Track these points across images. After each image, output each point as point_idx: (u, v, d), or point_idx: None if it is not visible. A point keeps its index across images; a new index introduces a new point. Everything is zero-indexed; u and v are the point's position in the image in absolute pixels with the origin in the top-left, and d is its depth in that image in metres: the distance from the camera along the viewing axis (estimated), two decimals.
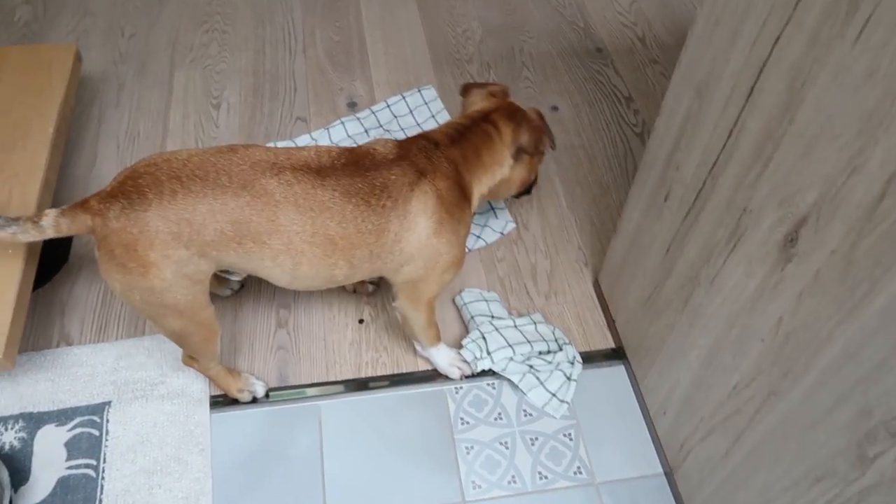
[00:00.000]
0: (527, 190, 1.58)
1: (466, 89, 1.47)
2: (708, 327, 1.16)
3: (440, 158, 1.27)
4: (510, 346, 1.48)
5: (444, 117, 2.01)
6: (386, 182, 1.20)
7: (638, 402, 1.48)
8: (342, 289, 1.64)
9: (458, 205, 1.27)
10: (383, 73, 2.16)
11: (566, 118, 2.07)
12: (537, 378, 1.49)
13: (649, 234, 1.35)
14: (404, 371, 1.52)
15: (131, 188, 1.10)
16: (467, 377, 1.49)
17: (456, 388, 1.49)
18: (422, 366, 1.53)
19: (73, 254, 1.68)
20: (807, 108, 0.87)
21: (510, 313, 1.61)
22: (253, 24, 2.30)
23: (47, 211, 1.14)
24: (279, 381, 1.50)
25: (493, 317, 1.55)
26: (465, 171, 1.31)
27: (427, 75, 2.16)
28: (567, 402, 1.47)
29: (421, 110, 2.03)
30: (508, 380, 1.50)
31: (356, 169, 1.20)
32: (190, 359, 1.37)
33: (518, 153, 1.38)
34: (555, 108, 2.10)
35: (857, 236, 0.81)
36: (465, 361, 1.49)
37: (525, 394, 1.48)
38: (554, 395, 1.48)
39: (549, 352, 1.52)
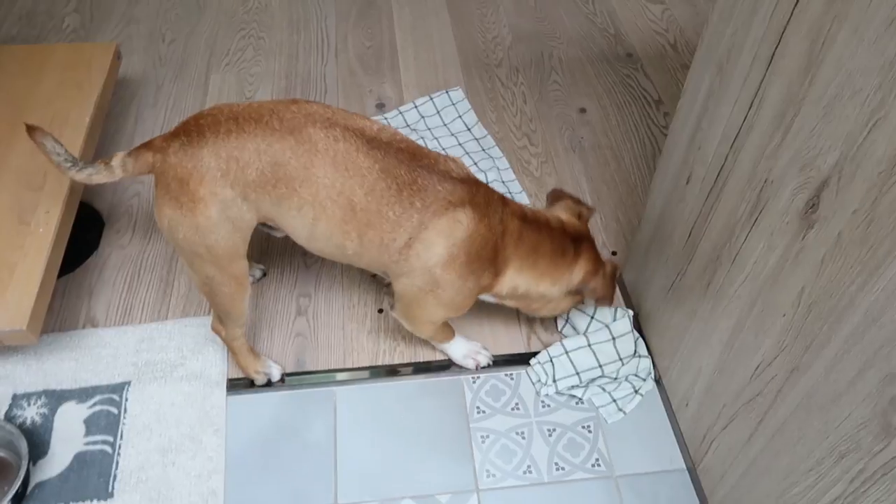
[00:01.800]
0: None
1: (556, 195, 1.40)
2: (729, 308, 1.13)
3: (497, 214, 1.22)
4: (577, 373, 1.44)
5: (470, 118, 2.02)
6: (428, 186, 1.16)
7: (660, 395, 1.44)
8: (362, 276, 1.65)
9: (480, 262, 1.21)
10: (412, 77, 2.19)
11: (594, 120, 2.06)
12: (602, 388, 1.45)
13: (671, 221, 1.33)
14: (421, 360, 1.51)
15: (193, 128, 1.16)
16: (483, 368, 1.47)
17: (473, 377, 1.47)
18: (439, 355, 1.51)
19: (103, 241, 1.72)
20: (827, 67, 0.85)
21: (591, 317, 1.51)
22: (288, 30, 2.36)
23: (116, 154, 1.20)
24: (296, 366, 1.50)
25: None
26: (511, 250, 1.25)
27: (456, 79, 2.18)
28: (624, 413, 1.42)
29: (448, 111, 2.04)
30: (527, 369, 1.47)
31: (409, 158, 1.18)
32: (218, 323, 1.37)
33: (576, 291, 1.33)
34: (583, 111, 2.09)
35: (879, 192, 0.78)
36: (482, 352, 1.47)
37: (581, 400, 1.44)
38: (615, 400, 1.43)
39: (617, 375, 1.46)
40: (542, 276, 1.29)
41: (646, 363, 1.46)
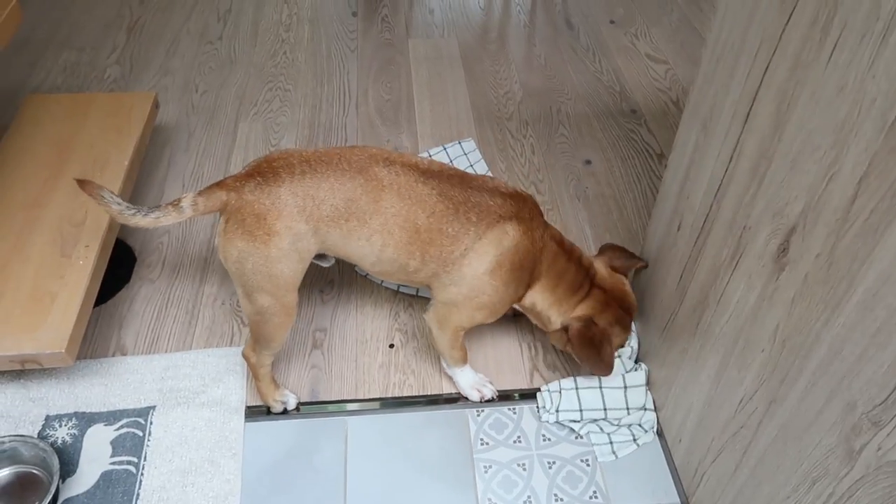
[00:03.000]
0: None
1: (605, 247, 1.55)
2: (716, 346, 1.21)
3: (539, 231, 1.37)
4: (580, 410, 1.50)
5: (481, 167, 2.14)
6: (481, 203, 1.32)
7: (657, 432, 1.50)
8: (375, 313, 1.74)
9: (521, 271, 1.36)
10: (428, 128, 2.33)
11: (598, 171, 2.18)
12: (600, 428, 1.50)
13: (665, 265, 1.42)
14: (429, 393, 1.59)
15: (266, 169, 1.29)
16: (487, 401, 1.55)
17: (478, 410, 1.55)
18: (446, 388, 1.60)
19: (135, 275, 1.84)
20: (791, 126, 0.95)
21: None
22: (312, 83, 2.52)
23: (185, 195, 1.31)
24: (311, 396, 1.59)
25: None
26: (544, 267, 1.38)
27: (468, 130, 2.31)
28: (616, 456, 1.46)
29: (460, 160, 2.16)
30: (530, 407, 1.55)
31: (460, 181, 1.34)
32: (250, 350, 1.46)
33: (569, 328, 1.41)
34: (588, 162, 2.21)
35: (837, 238, 0.87)
36: (488, 386, 1.55)
37: (580, 435, 1.49)
38: (611, 442, 1.48)
39: (620, 422, 1.50)
40: (556, 302, 1.42)
41: (650, 416, 1.50)
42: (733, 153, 1.11)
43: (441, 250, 1.32)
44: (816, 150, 0.90)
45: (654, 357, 1.51)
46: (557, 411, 1.50)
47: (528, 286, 1.41)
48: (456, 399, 1.56)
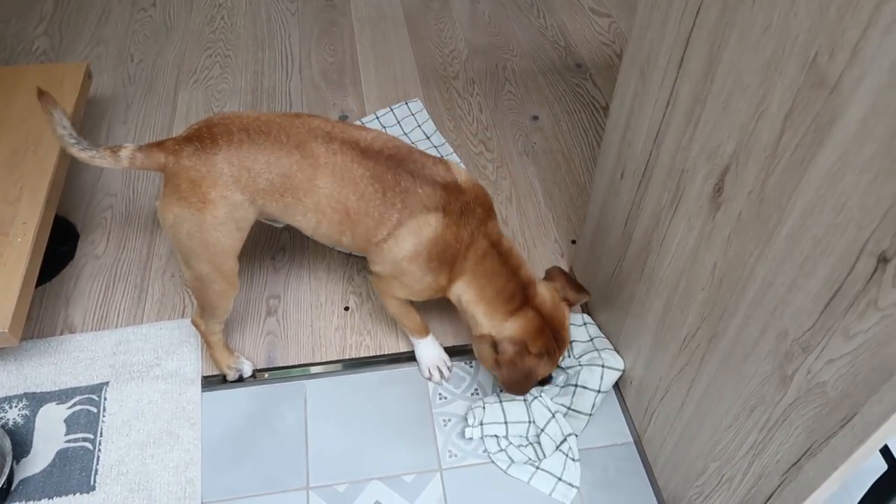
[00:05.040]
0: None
1: (553, 274, 1.42)
2: (660, 289, 1.25)
3: (470, 228, 1.29)
4: (505, 423, 1.43)
5: (429, 127, 2.13)
6: (409, 189, 1.28)
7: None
8: (329, 277, 1.74)
9: (439, 263, 1.30)
10: (374, 90, 2.30)
11: (546, 126, 2.19)
12: (532, 464, 1.41)
13: (611, 213, 1.45)
14: (386, 352, 1.61)
15: (206, 134, 1.26)
16: (436, 381, 1.54)
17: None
18: (403, 347, 1.61)
19: (79, 252, 1.79)
20: (723, 67, 0.97)
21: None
22: (253, 48, 2.45)
23: (127, 145, 1.27)
24: (267, 363, 1.58)
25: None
26: (469, 264, 1.31)
27: (415, 91, 2.29)
28: (576, 487, 1.38)
29: (408, 121, 2.15)
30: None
31: (396, 164, 1.30)
32: (199, 318, 1.45)
33: (499, 346, 1.31)
34: (535, 118, 2.22)
35: (766, 174, 0.90)
36: (444, 367, 1.54)
37: (527, 482, 1.39)
38: (560, 478, 1.39)
39: (543, 429, 1.43)
40: (482, 302, 1.32)
41: (566, 426, 1.42)
42: (670, 98, 1.13)
43: (366, 231, 1.31)
44: (746, 90, 0.92)
45: (605, 304, 1.55)
46: (481, 424, 1.44)
47: (451, 280, 1.34)
48: (413, 357, 1.58)
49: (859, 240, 0.75)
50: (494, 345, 1.32)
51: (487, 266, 1.32)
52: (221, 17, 2.58)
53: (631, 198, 1.33)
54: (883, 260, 0.72)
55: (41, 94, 1.27)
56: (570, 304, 1.39)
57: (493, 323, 1.32)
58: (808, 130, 0.81)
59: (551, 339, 1.33)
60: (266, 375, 1.55)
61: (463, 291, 1.34)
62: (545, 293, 1.35)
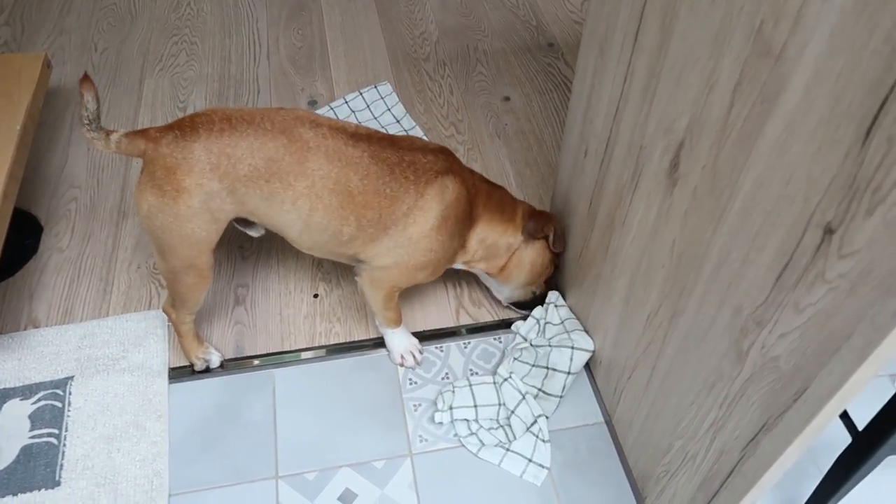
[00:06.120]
0: (529, 303, 1.58)
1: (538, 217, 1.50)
2: (624, 267, 1.24)
3: (471, 178, 1.40)
4: (475, 406, 1.43)
5: (399, 110, 2.11)
6: (415, 161, 1.31)
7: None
8: (298, 264, 1.72)
9: (462, 220, 1.37)
10: (343, 74, 2.27)
11: (517, 107, 2.17)
12: (502, 446, 1.41)
13: (576, 193, 1.43)
14: (356, 339, 1.59)
15: (187, 124, 1.24)
16: (408, 367, 1.54)
17: None
18: (373, 334, 1.60)
19: (42, 245, 1.76)
20: (675, 41, 0.96)
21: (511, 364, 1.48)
22: (220, 35, 2.41)
23: (118, 130, 1.27)
24: (236, 352, 1.57)
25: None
26: (481, 208, 1.41)
27: (385, 74, 2.26)
28: (546, 468, 1.38)
29: (377, 104, 2.12)
30: (457, 344, 1.56)
31: (390, 143, 1.32)
32: (170, 306, 1.44)
33: (529, 234, 1.45)
34: (507, 99, 2.19)
35: (718, 148, 0.89)
36: (416, 353, 1.53)
37: (498, 465, 1.39)
38: (530, 460, 1.39)
39: (513, 411, 1.42)
40: (505, 223, 1.44)
41: (536, 408, 1.43)
42: (627, 74, 1.11)
43: (379, 212, 1.29)
44: (697, 63, 0.90)
45: (573, 284, 1.54)
46: (451, 408, 1.43)
47: (471, 229, 1.41)
48: (383, 343, 1.57)
49: (806, 211, 0.74)
50: (541, 237, 1.46)
51: (494, 198, 1.43)
52: (188, 3, 2.53)
53: (594, 176, 1.32)
54: (829, 231, 0.71)
55: (84, 78, 1.22)
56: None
57: (516, 233, 1.45)
58: (755, 101, 0.79)
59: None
60: (234, 365, 1.54)
61: (486, 232, 1.43)
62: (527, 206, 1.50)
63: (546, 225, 1.45)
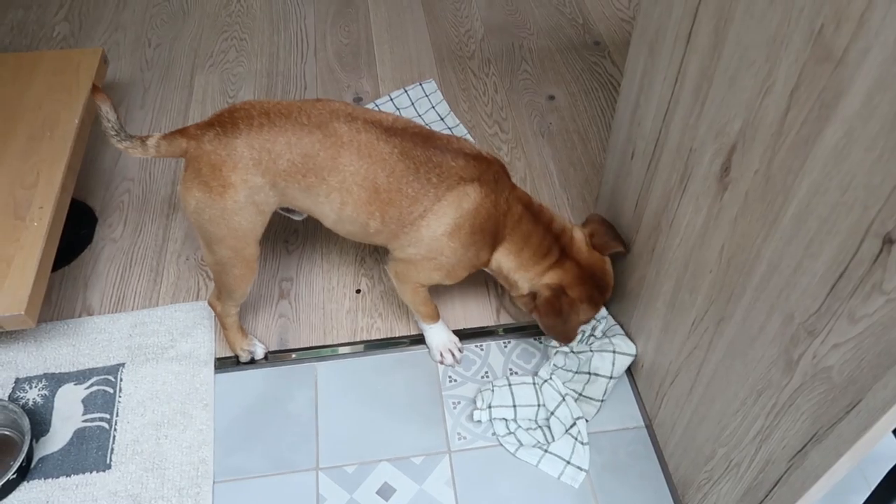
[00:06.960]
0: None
1: (591, 218, 1.43)
2: (669, 271, 1.22)
3: (504, 194, 1.31)
4: (514, 406, 1.43)
5: (443, 108, 2.11)
6: (442, 163, 1.28)
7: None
8: (341, 260, 1.74)
9: (482, 234, 1.31)
10: (388, 71, 2.28)
11: (562, 106, 2.15)
12: (540, 447, 1.41)
13: (622, 194, 1.42)
14: (397, 335, 1.61)
15: (227, 120, 1.27)
16: (448, 365, 1.54)
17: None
18: (414, 330, 1.61)
19: (97, 236, 1.82)
20: (729, 43, 0.94)
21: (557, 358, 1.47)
22: (269, 31, 2.45)
23: (153, 134, 1.31)
24: (280, 345, 1.60)
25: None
26: (507, 231, 1.33)
27: (430, 72, 2.27)
28: (585, 470, 1.37)
29: (422, 102, 2.13)
30: (497, 343, 1.57)
31: (424, 140, 1.30)
32: (215, 299, 1.47)
33: (537, 295, 1.34)
34: (551, 97, 2.18)
35: (772, 153, 0.87)
36: (455, 350, 1.54)
37: (536, 465, 1.39)
38: (568, 462, 1.39)
39: (553, 412, 1.42)
40: (522, 265, 1.35)
41: (576, 409, 1.42)
42: (678, 75, 1.10)
43: (400, 211, 1.29)
44: (752, 66, 0.89)
45: (616, 288, 1.52)
46: (489, 407, 1.43)
47: (493, 249, 1.35)
48: (423, 339, 1.58)
49: (864, 220, 0.72)
50: (535, 297, 1.35)
51: (524, 228, 1.34)
52: (238, 0, 2.58)
53: (641, 178, 1.30)
54: (888, 241, 0.70)
55: (95, 89, 1.32)
56: (602, 253, 1.39)
57: (534, 282, 1.36)
58: (813, 106, 0.78)
59: (592, 287, 1.36)
60: (278, 358, 1.57)
61: (503, 258, 1.36)
62: (581, 240, 1.38)
63: (545, 313, 1.33)
